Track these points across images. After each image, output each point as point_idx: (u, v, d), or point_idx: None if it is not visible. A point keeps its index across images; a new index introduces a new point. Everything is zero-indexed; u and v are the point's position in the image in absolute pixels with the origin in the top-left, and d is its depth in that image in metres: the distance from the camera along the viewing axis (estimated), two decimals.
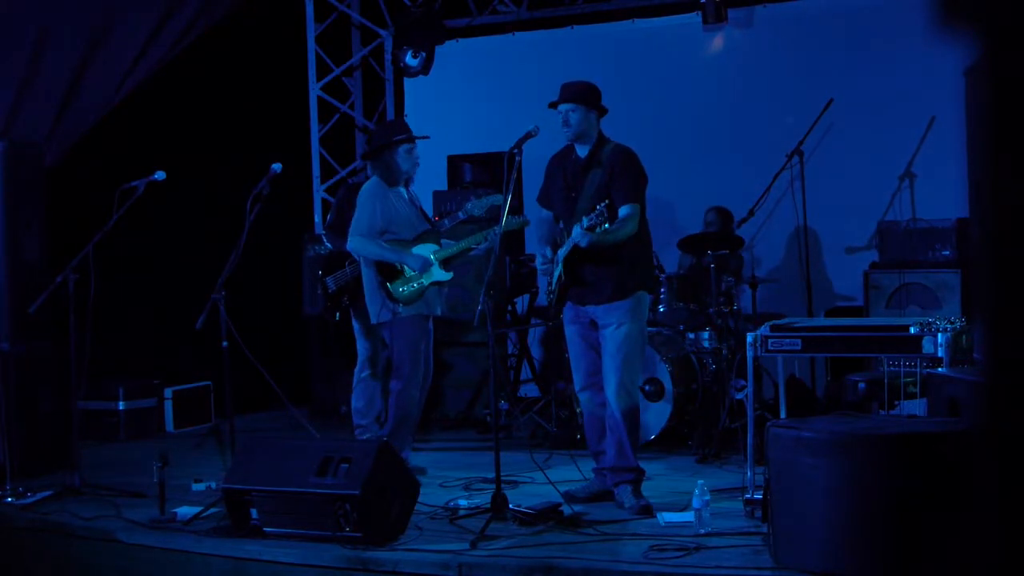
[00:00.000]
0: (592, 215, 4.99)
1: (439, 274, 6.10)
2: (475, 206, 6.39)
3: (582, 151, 5.35)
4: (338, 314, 6.77)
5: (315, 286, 6.96)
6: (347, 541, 4.62)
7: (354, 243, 6.09)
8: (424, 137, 6.35)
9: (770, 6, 8.50)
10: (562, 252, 5.29)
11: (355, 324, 6.81)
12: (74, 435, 5.94)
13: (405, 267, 6.03)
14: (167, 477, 5.29)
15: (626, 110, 7.80)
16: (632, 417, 5.26)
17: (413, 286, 6.03)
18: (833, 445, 3.98)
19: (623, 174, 5.22)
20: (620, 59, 8.75)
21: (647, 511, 5.07)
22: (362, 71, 10.09)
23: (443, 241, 6.19)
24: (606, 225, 4.99)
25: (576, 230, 5.10)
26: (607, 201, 5.04)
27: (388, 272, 6.04)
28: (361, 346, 6.82)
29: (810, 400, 7.33)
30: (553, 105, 5.32)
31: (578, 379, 5.49)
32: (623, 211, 5.15)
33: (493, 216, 6.46)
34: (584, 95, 5.30)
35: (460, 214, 6.44)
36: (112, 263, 6.17)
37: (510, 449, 6.28)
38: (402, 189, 6.24)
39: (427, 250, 6.10)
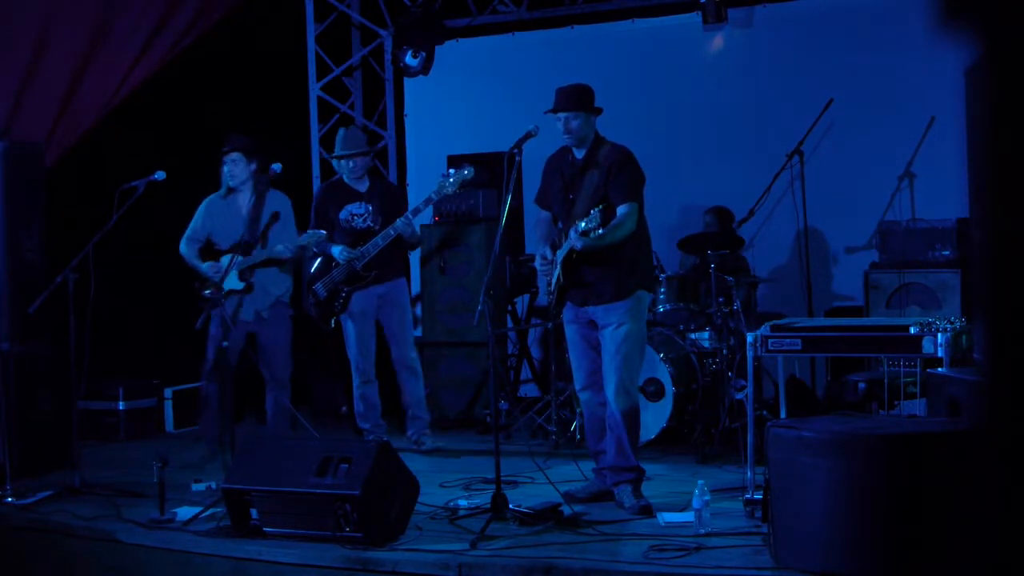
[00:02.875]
0: (587, 220, 4.99)
1: (230, 283, 6.32)
2: (443, 185, 6.55)
3: (579, 152, 5.36)
4: (333, 321, 6.75)
5: (307, 295, 6.94)
6: (347, 541, 4.62)
7: (181, 247, 6.52)
8: (232, 150, 6.43)
9: (770, 6, 8.49)
10: (560, 254, 5.29)
11: (348, 329, 6.78)
12: (74, 435, 5.94)
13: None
14: (167, 477, 5.29)
15: (626, 110, 7.82)
16: (632, 417, 5.26)
17: (215, 292, 6.29)
18: (833, 445, 3.98)
19: (620, 174, 5.22)
20: (620, 59, 8.75)
21: (647, 511, 5.07)
22: (362, 71, 10.09)
23: (255, 251, 6.36)
24: (600, 231, 4.99)
25: (572, 234, 5.09)
26: (602, 205, 5.04)
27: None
28: (352, 353, 6.78)
29: (810, 400, 7.32)
30: (551, 111, 5.32)
31: (578, 379, 5.48)
32: (621, 210, 5.14)
33: (463, 189, 6.71)
34: (583, 100, 5.30)
35: (432, 195, 6.60)
36: (112, 263, 6.17)
37: (510, 449, 6.28)
38: (241, 198, 6.48)
39: (228, 260, 6.37)
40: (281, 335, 6.42)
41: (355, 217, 6.73)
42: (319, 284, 6.71)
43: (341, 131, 7.05)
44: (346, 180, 6.87)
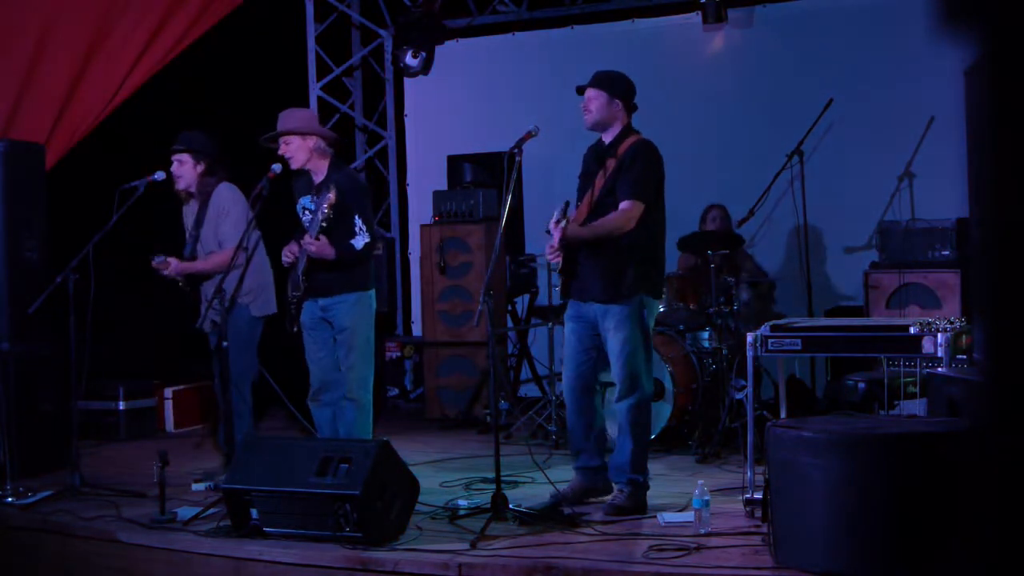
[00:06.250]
0: (556, 212, 5.01)
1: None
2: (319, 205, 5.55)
3: (606, 139, 5.32)
4: (296, 326, 5.87)
5: None
6: (347, 541, 4.62)
7: None
8: (180, 151, 6.06)
9: (770, 6, 8.50)
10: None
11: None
12: (74, 435, 5.93)
13: None
14: (167, 477, 5.29)
15: None
16: (633, 417, 5.16)
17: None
18: (833, 445, 3.98)
19: (631, 168, 5.14)
20: (620, 59, 8.66)
21: (615, 511, 5.01)
22: (362, 71, 10.10)
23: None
24: (562, 223, 4.99)
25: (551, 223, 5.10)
26: (568, 201, 5.04)
27: None
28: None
29: (810, 400, 7.33)
30: (580, 90, 5.29)
31: (566, 375, 5.36)
32: (622, 206, 5.11)
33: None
34: (609, 82, 5.26)
35: (325, 209, 5.44)
36: (112, 263, 6.16)
37: (510, 449, 6.28)
38: (192, 204, 6.23)
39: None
40: (231, 335, 5.80)
41: (305, 212, 5.81)
42: (289, 282, 5.95)
43: None
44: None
